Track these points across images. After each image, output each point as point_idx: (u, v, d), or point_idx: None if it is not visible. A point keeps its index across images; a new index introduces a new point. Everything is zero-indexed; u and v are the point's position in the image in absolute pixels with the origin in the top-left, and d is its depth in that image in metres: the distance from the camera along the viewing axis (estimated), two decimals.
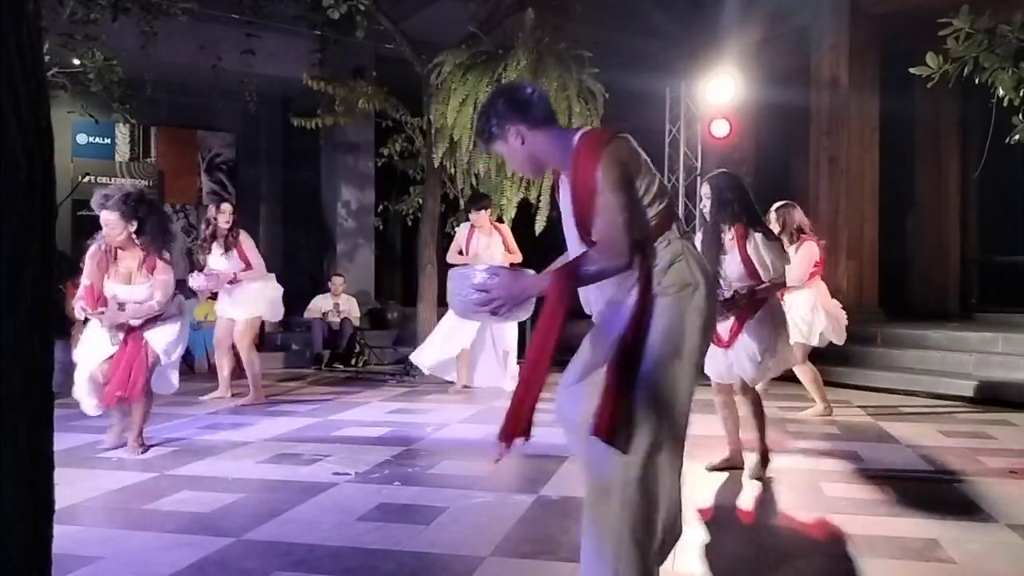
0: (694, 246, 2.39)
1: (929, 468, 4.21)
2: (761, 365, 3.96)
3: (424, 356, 7.12)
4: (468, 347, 7.07)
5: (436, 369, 7.14)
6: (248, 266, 6.48)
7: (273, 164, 12.35)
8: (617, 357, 2.20)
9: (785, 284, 4.27)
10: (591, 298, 2.46)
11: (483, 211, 7.06)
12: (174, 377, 4.89)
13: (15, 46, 1.22)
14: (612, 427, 2.15)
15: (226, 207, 6.59)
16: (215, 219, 6.54)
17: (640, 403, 2.18)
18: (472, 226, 7.13)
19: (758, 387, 4.17)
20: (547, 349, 2.19)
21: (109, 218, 4.45)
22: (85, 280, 4.57)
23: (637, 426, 2.17)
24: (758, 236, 4.02)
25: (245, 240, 6.49)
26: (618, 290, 2.30)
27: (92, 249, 4.56)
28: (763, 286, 4.00)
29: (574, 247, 2.41)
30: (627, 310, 2.24)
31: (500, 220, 7.46)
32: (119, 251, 4.56)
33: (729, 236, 4.05)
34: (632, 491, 2.16)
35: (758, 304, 4.01)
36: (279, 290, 6.69)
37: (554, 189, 2.63)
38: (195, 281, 6.59)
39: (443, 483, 3.89)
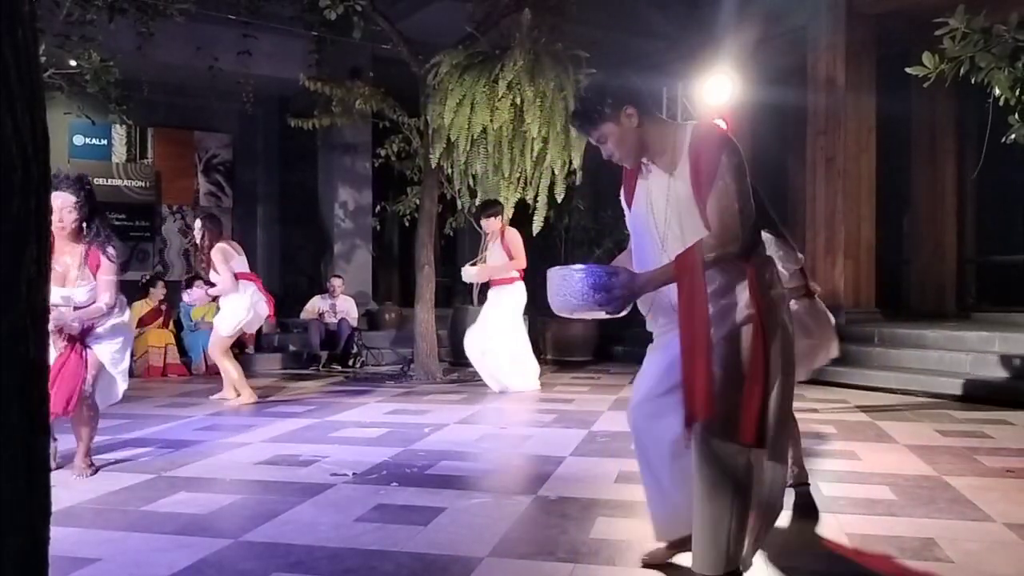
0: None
1: (926, 467, 4.22)
2: None
3: (531, 378, 7.13)
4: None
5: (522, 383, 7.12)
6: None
7: (270, 165, 12.34)
8: (756, 364, 2.33)
9: (805, 288, 4.04)
10: (653, 311, 2.59)
11: (491, 218, 7.15)
12: (121, 387, 4.20)
13: (10, 47, 1.22)
14: (756, 430, 2.32)
15: (196, 225, 6.76)
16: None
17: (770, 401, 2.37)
18: (487, 232, 7.23)
19: None
20: (701, 324, 2.30)
21: (64, 201, 3.78)
22: None
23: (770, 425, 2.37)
24: (766, 238, 3.96)
25: (214, 255, 6.51)
26: (713, 294, 2.38)
27: None
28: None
29: (649, 248, 2.51)
30: (736, 316, 2.36)
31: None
32: (54, 244, 3.70)
33: None
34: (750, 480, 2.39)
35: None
36: (239, 302, 6.56)
37: (624, 189, 2.67)
38: (187, 296, 7.23)
39: (441, 484, 3.89)
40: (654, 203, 2.49)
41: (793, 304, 4.16)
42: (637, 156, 2.53)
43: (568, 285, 2.39)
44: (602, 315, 2.45)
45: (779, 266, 3.96)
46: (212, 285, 6.61)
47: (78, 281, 3.90)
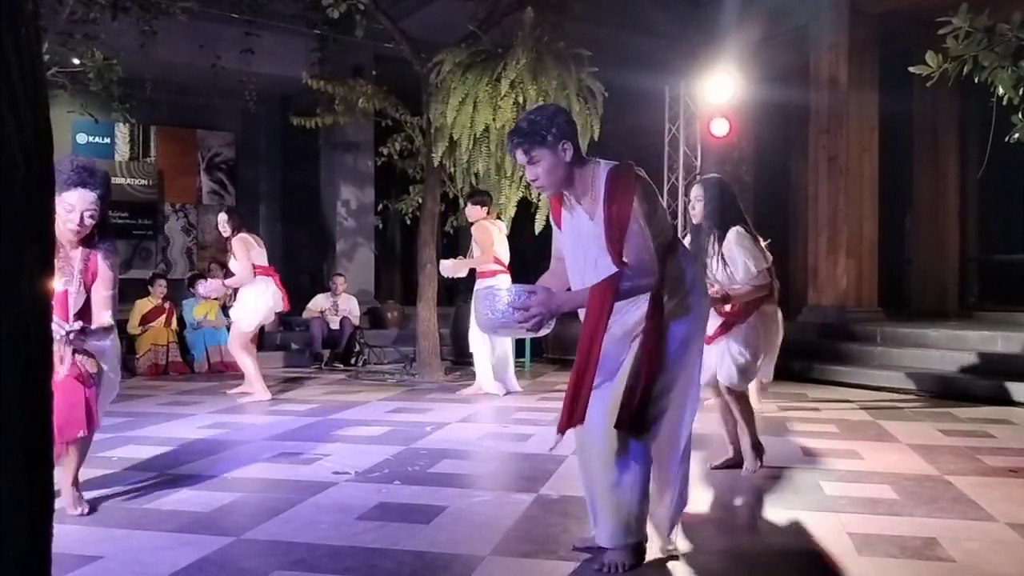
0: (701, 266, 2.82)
1: (928, 466, 4.21)
2: (739, 369, 3.96)
3: (490, 383, 7.00)
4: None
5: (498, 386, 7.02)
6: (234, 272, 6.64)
7: (273, 163, 12.35)
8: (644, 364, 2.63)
9: (769, 288, 4.10)
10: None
11: (474, 206, 6.88)
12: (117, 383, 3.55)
13: (13, 45, 1.22)
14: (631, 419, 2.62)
15: (221, 217, 6.80)
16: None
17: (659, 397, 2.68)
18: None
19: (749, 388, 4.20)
20: (595, 350, 2.57)
21: (88, 200, 3.15)
22: (57, 285, 3.15)
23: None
24: (731, 235, 3.96)
25: (236, 244, 6.56)
26: (626, 305, 2.66)
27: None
28: (737, 288, 3.91)
29: (581, 265, 2.74)
30: (639, 325, 2.66)
31: (498, 217, 7.36)
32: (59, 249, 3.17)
33: (712, 238, 4.03)
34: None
35: (749, 309, 4.00)
36: (260, 296, 6.61)
37: (552, 211, 2.91)
38: (202, 288, 7.06)
39: (443, 482, 3.89)
40: (580, 236, 2.73)
41: (768, 308, 4.22)
42: (560, 188, 2.73)
43: (491, 303, 2.57)
44: (523, 333, 2.65)
45: (744, 267, 3.93)
46: (230, 276, 6.68)
47: (75, 289, 3.24)
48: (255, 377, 6.59)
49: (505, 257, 6.90)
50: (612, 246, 2.60)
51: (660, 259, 2.64)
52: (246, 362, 6.63)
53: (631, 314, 2.68)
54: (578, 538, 2.94)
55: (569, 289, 2.78)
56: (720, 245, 3.96)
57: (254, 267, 6.55)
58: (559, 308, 2.59)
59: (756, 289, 3.98)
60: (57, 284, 3.14)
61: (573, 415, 2.61)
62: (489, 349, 6.95)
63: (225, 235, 6.70)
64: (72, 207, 3.13)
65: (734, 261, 3.93)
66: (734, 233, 3.95)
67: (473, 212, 6.91)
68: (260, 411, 6.10)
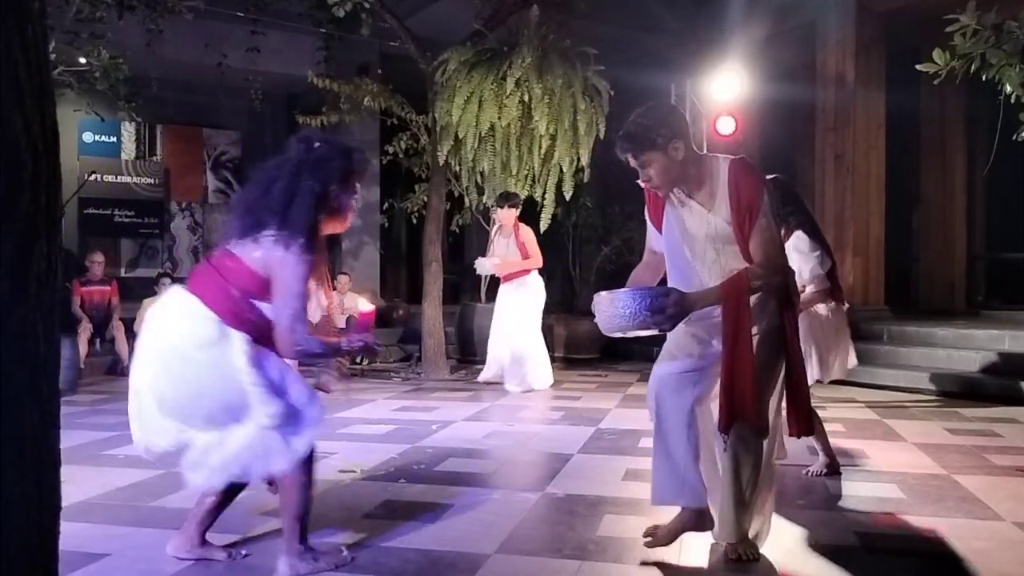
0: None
1: (935, 466, 4.20)
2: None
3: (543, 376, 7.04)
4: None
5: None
6: None
7: None
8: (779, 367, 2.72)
9: (827, 290, 4.08)
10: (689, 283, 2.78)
11: (511, 209, 6.91)
12: None
13: (20, 44, 1.22)
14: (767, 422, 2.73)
15: None
16: None
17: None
18: (499, 224, 7.10)
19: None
20: (745, 343, 2.59)
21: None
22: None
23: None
24: (793, 240, 3.96)
25: None
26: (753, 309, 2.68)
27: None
28: (804, 294, 3.88)
29: (686, 259, 2.75)
30: (764, 326, 2.70)
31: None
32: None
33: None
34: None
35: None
36: None
37: (649, 209, 2.90)
38: None
39: (449, 480, 3.90)
40: (690, 231, 2.72)
41: (822, 308, 4.15)
42: (672, 186, 2.72)
43: (619, 306, 2.58)
44: (653, 332, 2.66)
45: (808, 268, 3.94)
46: None
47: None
48: None
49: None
50: (740, 233, 2.62)
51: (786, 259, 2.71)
52: None
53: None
54: (649, 536, 2.89)
55: (664, 282, 2.81)
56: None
57: None
58: (693, 306, 2.60)
59: (819, 294, 4.00)
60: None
61: (740, 413, 2.63)
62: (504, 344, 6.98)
63: None
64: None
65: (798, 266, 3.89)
66: (794, 238, 3.96)
67: (510, 215, 6.95)
68: None
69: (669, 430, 2.73)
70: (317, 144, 2.63)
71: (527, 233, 6.98)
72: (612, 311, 2.60)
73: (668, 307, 2.54)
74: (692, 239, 2.72)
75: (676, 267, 2.80)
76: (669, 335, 2.83)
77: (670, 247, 2.81)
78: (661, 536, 2.79)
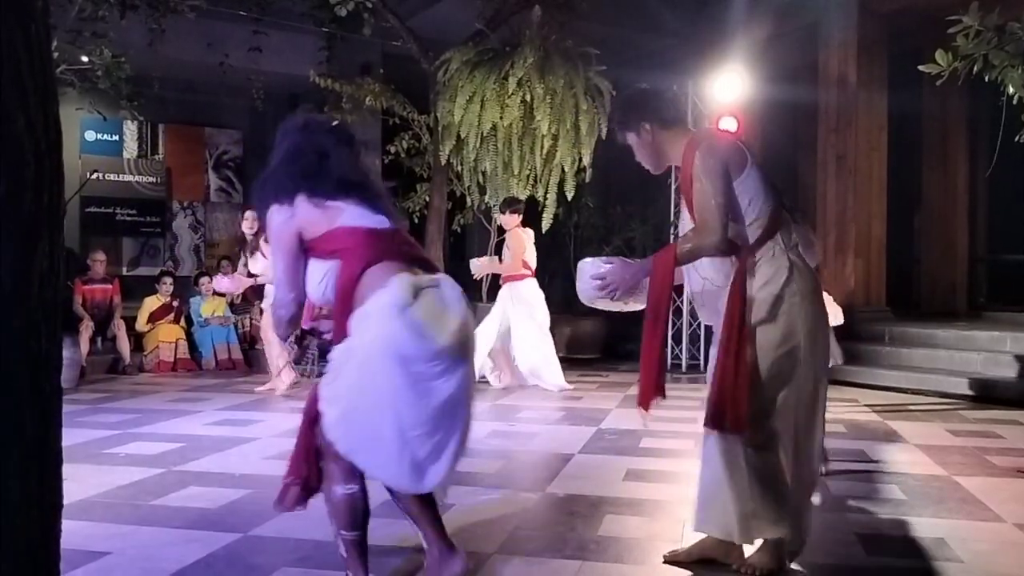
0: (801, 257, 2.63)
1: (937, 467, 4.20)
2: None
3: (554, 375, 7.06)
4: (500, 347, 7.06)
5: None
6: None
7: None
8: (723, 345, 2.52)
9: None
10: (704, 313, 2.80)
11: (513, 215, 6.96)
12: None
13: (23, 43, 1.22)
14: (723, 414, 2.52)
15: (248, 214, 6.79)
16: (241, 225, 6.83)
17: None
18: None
19: None
20: (661, 318, 2.56)
21: None
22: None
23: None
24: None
25: (265, 242, 6.61)
26: (715, 276, 2.61)
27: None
28: None
29: None
30: (723, 303, 2.55)
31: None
32: None
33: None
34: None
35: None
36: None
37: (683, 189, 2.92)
38: (219, 283, 7.17)
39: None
40: (682, 210, 2.81)
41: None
42: (659, 164, 2.78)
43: (582, 276, 2.67)
44: (617, 305, 2.68)
45: None
46: (250, 275, 6.78)
47: None
48: (285, 370, 6.65)
49: (533, 263, 7.06)
50: (687, 199, 2.64)
51: (732, 222, 2.54)
52: (280, 353, 6.69)
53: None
54: (671, 551, 2.83)
55: None
56: None
57: None
58: (632, 276, 2.59)
59: None
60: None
61: (651, 390, 2.62)
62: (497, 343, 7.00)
63: (250, 233, 6.68)
64: None
65: None
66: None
67: (511, 220, 7.00)
68: (267, 408, 6.11)
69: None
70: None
71: (513, 238, 6.97)
72: (578, 279, 2.71)
73: (607, 275, 2.59)
74: (683, 216, 2.79)
75: None
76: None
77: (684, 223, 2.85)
78: (680, 554, 2.76)
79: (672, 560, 2.73)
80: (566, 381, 7.08)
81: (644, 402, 2.63)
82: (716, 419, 2.53)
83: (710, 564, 2.70)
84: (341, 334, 2.27)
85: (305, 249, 2.37)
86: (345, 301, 2.26)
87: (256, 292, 9.38)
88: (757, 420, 2.52)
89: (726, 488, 2.56)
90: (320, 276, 2.35)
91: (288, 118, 2.63)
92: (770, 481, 2.55)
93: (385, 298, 2.17)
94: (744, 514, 2.54)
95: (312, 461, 2.42)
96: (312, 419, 2.34)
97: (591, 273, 2.61)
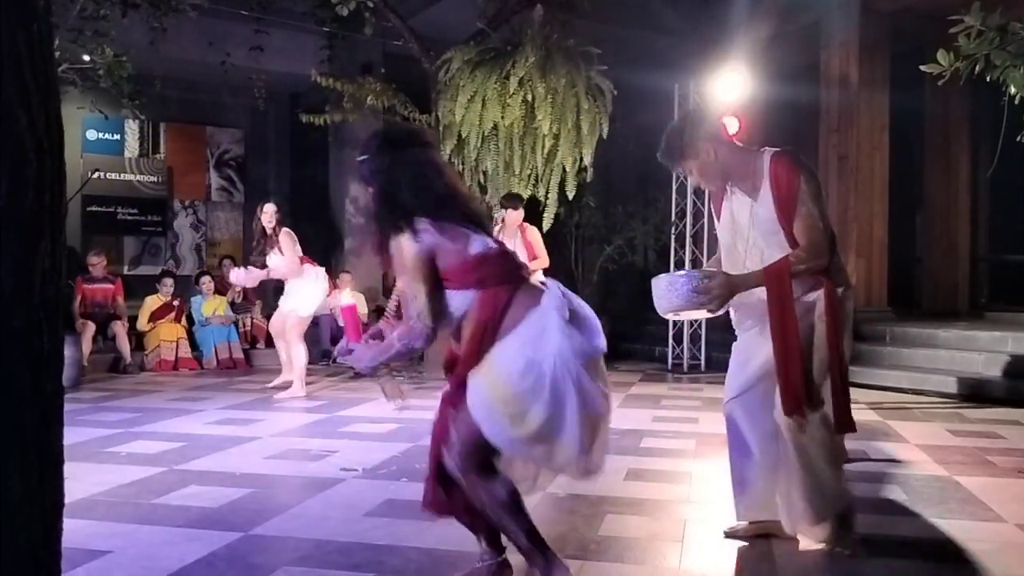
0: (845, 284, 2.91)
1: (938, 467, 4.19)
2: None
3: None
4: None
5: None
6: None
7: (281, 160, 12.36)
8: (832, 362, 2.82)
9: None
10: (740, 315, 2.96)
11: (517, 210, 6.89)
12: None
13: (25, 42, 1.22)
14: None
15: (268, 208, 6.74)
16: (259, 219, 6.76)
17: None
18: (502, 224, 7.05)
19: None
20: (791, 325, 2.68)
21: None
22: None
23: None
24: None
25: (284, 237, 6.63)
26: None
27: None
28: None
29: (738, 248, 2.89)
30: (813, 320, 2.76)
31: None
32: None
33: None
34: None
35: None
36: (316, 284, 6.79)
37: (713, 203, 3.09)
38: (235, 275, 7.08)
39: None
40: (737, 222, 2.88)
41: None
42: (721, 182, 2.90)
43: (673, 289, 2.73)
44: (704, 314, 2.80)
45: None
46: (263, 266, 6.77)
47: None
48: (300, 372, 6.64)
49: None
50: (783, 220, 2.73)
51: (831, 243, 2.75)
52: (299, 352, 6.68)
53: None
54: (730, 527, 3.06)
55: None
56: None
57: (300, 259, 6.68)
58: (736, 287, 2.70)
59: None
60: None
61: (794, 397, 2.73)
62: None
63: (269, 228, 6.65)
64: None
65: None
66: None
67: (517, 216, 6.92)
68: (268, 408, 6.12)
69: (751, 450, 2.92)
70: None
71: (533, 233, 6.96)
72: (666, 293, 2.75)
73: (713, 288, 2.66)
74: (740, 228, 2.86)
75: (728, 255, 2.95)
76: (734, 346, 3.01)
77: (723, 236, 2.97)
78: (739, 530, 3.01)
79: (732, 535, 2.98)
80: None
81: (795, 407, 2.76)
82: (796, 403, 2.72)
83: (761, 540, 2.92)
84: (476, 361, 2.41)
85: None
86: (493, 329, 2.34)
87: (257, 292, 9.40)
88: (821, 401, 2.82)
89: (801, 475, 2.77)
90: (462, 307, 2.40)
91: (390, 126, 2.63)
92: (838, 459, 2.88)
93: (553, 319, 2.29)
94: (824, 497, 2.78)
95: (443, 482, 2.52)
96: (442, 440, 2.59)
97: (690, 287, 2.68)
